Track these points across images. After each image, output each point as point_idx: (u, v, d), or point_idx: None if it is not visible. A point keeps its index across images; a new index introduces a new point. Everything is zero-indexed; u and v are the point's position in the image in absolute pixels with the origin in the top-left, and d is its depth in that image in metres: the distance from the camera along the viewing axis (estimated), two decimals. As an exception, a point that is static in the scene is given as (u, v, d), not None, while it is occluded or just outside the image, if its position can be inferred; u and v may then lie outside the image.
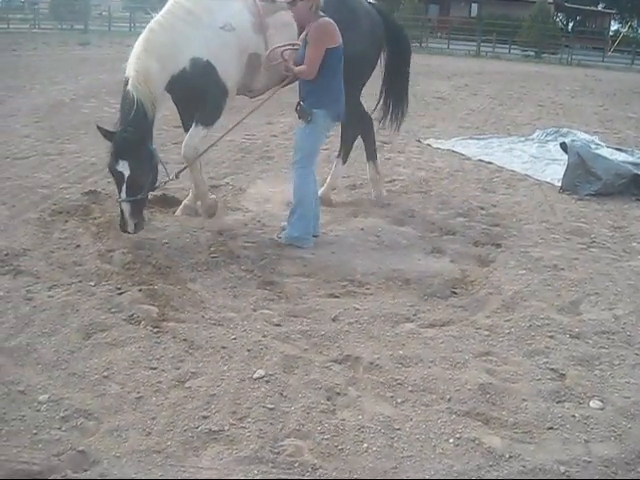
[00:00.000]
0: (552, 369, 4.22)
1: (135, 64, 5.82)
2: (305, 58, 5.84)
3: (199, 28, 6.04)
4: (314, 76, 5.85)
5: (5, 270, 5.27)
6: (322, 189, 7.16)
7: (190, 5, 6.06)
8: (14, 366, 3.99)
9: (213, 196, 6.89)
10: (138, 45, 5.92)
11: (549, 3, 48.19)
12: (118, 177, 5.79)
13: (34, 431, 3.42)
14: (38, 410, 3.59)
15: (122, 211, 5.82)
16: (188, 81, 6.08)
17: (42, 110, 12.54)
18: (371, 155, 7.64)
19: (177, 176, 6.47)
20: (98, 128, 5.79)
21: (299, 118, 6.10)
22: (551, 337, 4.63)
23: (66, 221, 6.44)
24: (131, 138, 5.70)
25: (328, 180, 7.36)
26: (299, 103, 6.05)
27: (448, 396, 3.88)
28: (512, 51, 42.54)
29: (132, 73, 5.79)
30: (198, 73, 6.06)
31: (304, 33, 6.10)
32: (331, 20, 5.90)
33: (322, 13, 5.89)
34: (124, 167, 5.72)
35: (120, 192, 5.80)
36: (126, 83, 5.82)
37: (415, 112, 14.70)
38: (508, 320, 4.86)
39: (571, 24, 65.43)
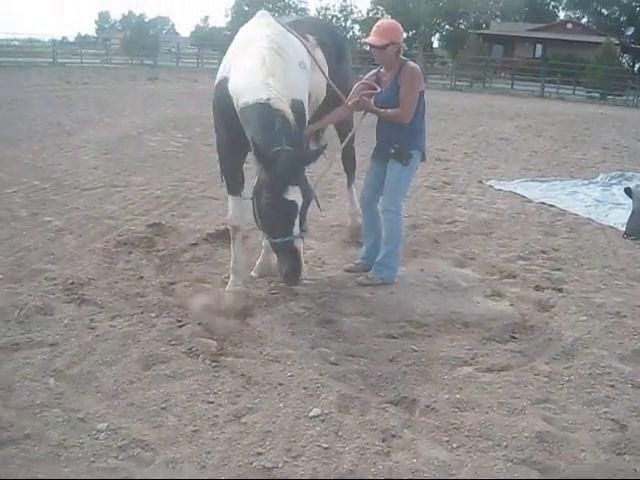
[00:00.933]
0: (612, 419, 4.11)
1: (271, 86, 4.98)
2: (401, 101, 5.83)
3: (291, 65, 5.41)
4: (410, 119, 5.89)
5: (70, 298, 5.41)
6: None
7: (279, 39, 5.43)
8: (75, 393, 4.08)
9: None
10: (257, 69, 5.10)
11: (615, 44, 47.70)
12: (289, 209, 4.82)
13: (92, 459, 3.49)
14: (97, 438, 3.65)
15: (293, 252, 4.93)
16: None
17: (110, 142, 12.89)
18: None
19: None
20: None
21: (397, 160, 6.00)
22: (612, 386, 4.51)
23: (130, 252, 6.58)
24: (297, 158, 4.87)
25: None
26: (393, 146, 5.98)
27: (505, 443, 3.82)
28: (577, 92, 42.17)
29: (273, 94, 4.94)
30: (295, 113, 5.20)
31: (372, 74, 6.15)
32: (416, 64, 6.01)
33: (403, 57, 5.98)
34: (296, 195, 4.81)
35: (292, 228, 4.89)
36: (266, 106, 4.92)
37: (477, 153, 14.72)
38: (568, 367, 4.76)
39: (637, 65, 64.57)
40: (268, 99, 4.92)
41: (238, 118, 5.24)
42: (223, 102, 5.49)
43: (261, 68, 5.08)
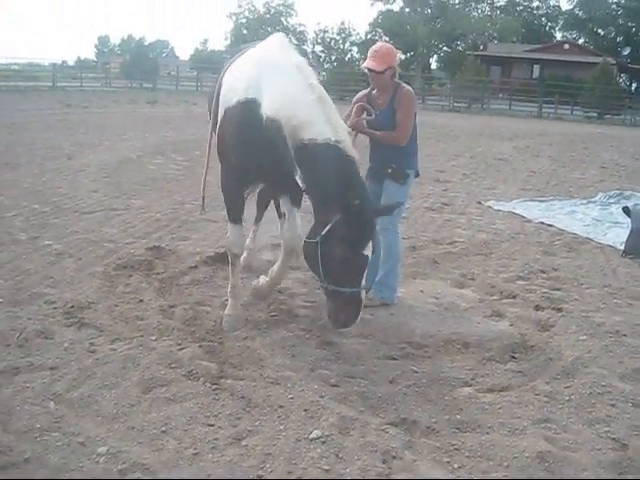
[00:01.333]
0: (613, 439, 4.10)
1: (338, 126, 4.77)
2: (397, 125, 5.88)
3: None
4: (406, 142, 5.94)
5: (70, 322, 5.41)
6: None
7: (310, 70, 5.02)
8: (75, 417, 4.08)
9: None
10: (311, 100, 4.74)
11: (612, 64, 47.95)
12: (363, 263, 4.72)
13: (92, 483, 3.48)
14: (97, 462, 3.65)
15: (358, 302, 4.79)
16: None
17: (110, 166, 12.94)
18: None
19: None
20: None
21: (394, 180, 6.04)
22: (612, 405, 4.51)
23: (130, 275, 6.59)
24: (375, 213, 4.80)
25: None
26: (389, 166, 6.03)
27: (506, 463, 3.81)
28: (574, 112, 42.32)
29: (341, 136, 4.69)
30: None
31: (362, 95, 6.18)
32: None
33: (397, 80, 6.02)
34: (369, 249, 4.70)
35: (361, 280, 4.76)
36: (336, 149, 4.64)
37: (476, 174, 14.77)
38: (568, 387, 4.76)
39: (634, 85, 64.83)
40: (337, 141, 4.65)
41: (264, 144, 4.95)
42: (250, 125, 5.04)
43: (318, 102, 4.75)
